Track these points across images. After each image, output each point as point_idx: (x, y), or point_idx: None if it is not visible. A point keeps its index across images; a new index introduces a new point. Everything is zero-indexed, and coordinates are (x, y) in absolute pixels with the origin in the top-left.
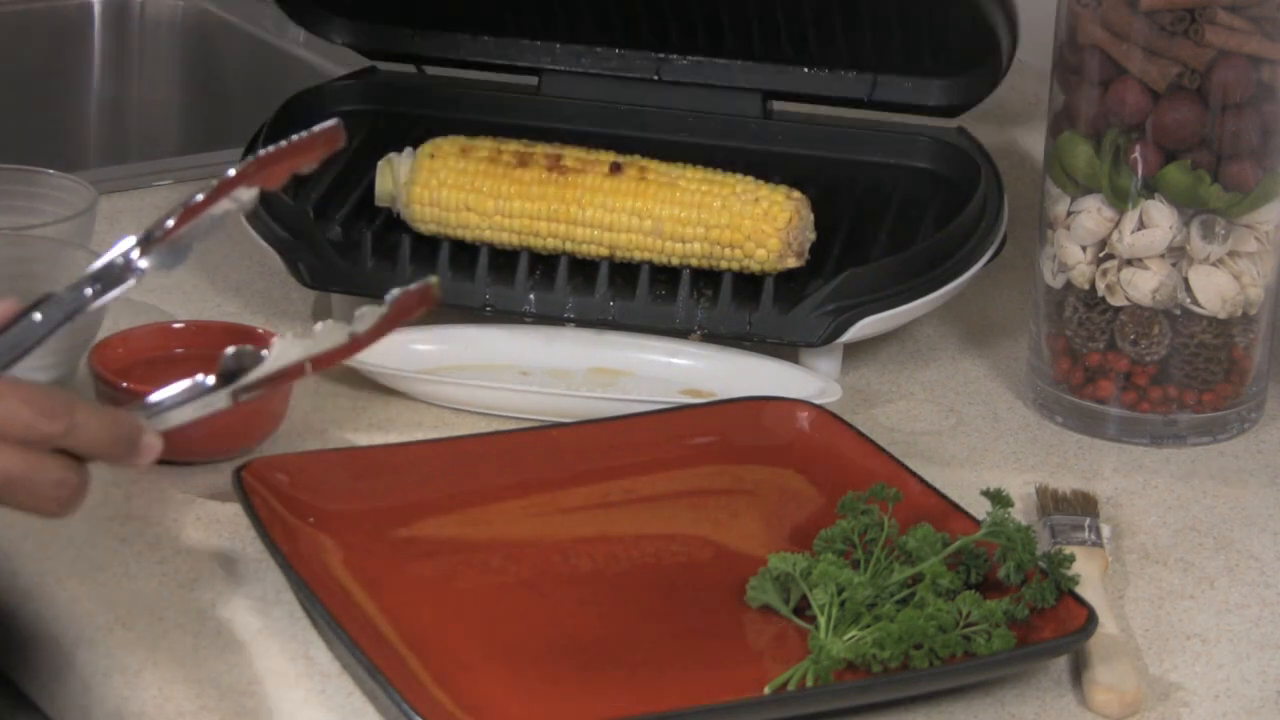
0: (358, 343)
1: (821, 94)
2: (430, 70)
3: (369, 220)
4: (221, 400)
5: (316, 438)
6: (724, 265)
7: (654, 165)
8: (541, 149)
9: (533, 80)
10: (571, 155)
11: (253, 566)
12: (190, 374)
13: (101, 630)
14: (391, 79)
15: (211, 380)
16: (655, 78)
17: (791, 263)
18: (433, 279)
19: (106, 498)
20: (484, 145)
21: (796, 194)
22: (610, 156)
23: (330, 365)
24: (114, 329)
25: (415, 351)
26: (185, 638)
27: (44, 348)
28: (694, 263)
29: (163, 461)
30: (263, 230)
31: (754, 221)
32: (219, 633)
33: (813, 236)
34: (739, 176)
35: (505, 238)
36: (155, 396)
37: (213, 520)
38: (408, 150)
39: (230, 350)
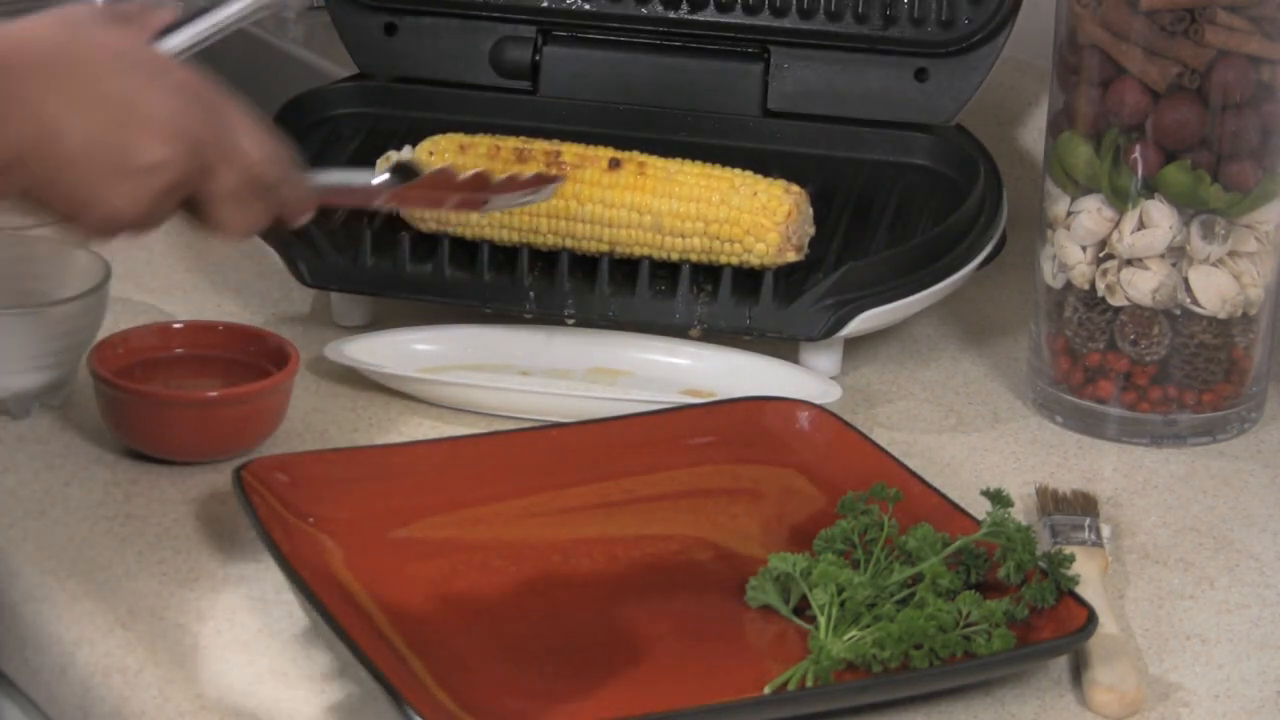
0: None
1: (826, 44)
2: (432, 19)
3: (368, 218)
4: (379, 195)
5: (316, 438)
6: (723, 260)
7: (652, 160)
8: (540, 145)
9: (530, 44)
10: (570, 151)
11: (253, 567)
12: (190, 374)
13: (101, 630)
14: (391, 82)
15: (384, 178)
16: (659, 29)
17: (791, 257)
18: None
19: (107, 497)
20: (482, 142)
21: (795, 188)
22: (609, 152)
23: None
24: (114, 329)
25: (415, 351)
26: (185, 638)
27: (43, 348)
28: (693, 258)
29: (163, 461)
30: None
31: (753, 215)
32: (219, 633)
33: (812, 230)
34: (738, 171)
35: (505, 234)
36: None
37: (213, 520)
38: (406, 148)
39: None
